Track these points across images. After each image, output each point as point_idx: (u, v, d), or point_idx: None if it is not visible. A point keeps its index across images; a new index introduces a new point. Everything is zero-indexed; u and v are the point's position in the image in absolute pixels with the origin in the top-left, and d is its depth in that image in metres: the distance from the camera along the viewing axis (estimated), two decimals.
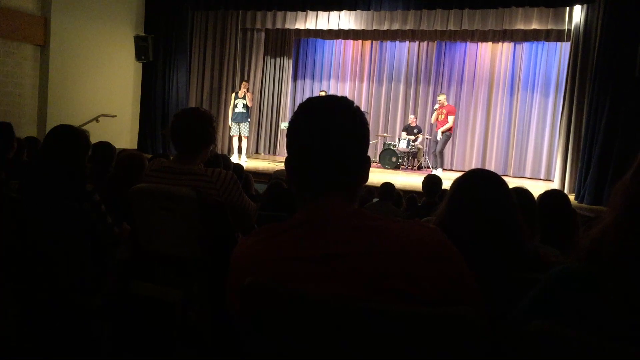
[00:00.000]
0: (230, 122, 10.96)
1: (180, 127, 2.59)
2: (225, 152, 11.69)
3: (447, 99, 12.29)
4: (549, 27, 10.39)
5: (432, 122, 11.05)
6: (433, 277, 1.12)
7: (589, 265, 1.01)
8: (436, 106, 10.76)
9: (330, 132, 1.19)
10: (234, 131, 10.93)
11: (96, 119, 9.77)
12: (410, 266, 1.11)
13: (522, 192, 2.42)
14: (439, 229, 1.24)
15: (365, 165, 1.27)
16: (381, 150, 11.96)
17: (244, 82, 10.99)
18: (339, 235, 1.15)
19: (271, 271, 1.16)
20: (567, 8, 9.46)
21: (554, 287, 1.04)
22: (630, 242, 0.95)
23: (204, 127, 2.60)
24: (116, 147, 4.29)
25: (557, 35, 10.97)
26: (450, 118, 10.42)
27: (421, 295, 1.10)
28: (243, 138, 10.99)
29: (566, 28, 9.74)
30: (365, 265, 1.11)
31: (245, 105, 10.76)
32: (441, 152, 10.58)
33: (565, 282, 1.02)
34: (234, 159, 10.16)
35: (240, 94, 10.76)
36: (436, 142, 10.69)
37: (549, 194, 2.95)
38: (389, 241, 1.13)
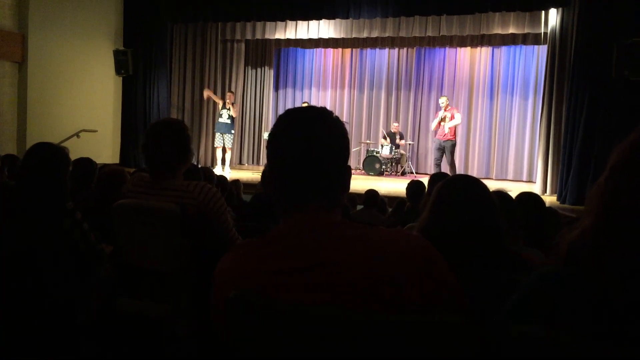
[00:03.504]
0: (215, 131, 10.96)
1: (153, 144, 2.48)
2: (209, 163, 11.66)
3: (427, 105, 12.34)
4: (526, 30, 10.53)
5: (432, 128, 10.47)
6: (418, 283, 1.12)
7: (568, 268, 1.02)
8: (442, 113, 9.99)
9: (310, 143, 1.20)
10: (218, 142, 10.90)
11: (77, 135, 9.68)
12: (395, 273, 1.11)
13: (503, 196, 2.44)
14: (421, 236, 1.25)
15: (345, 175, 1.28)
16: (364, 157, 12.00)
17: (229, 94, 10.94)
18: (322, 245, 1.16)
19: (255, 283, 1.16)
20: (543, 12, 9.58)
21: (535, 290, 1.05)
22: (607, 244, 0.97)
23: (177, 139, 2.49)
24: (98, 161, 4.26)
25: (534, 39, 11.11)
26: (457, 116, 9.97)
27: (407, 301, 1.10)
28: (227, 150, 10.96)
29: (542, 31, 9.86)
30: (350, 274, 1.11)
31: (230, 117, 10.75)
32: (452, 163, 10.10)
33: (546, 284, 1.03)
34: (218, 170, 10.11)
35: (227, 104, 10.75)
36: (440, 149, 10.01)
37: (523, 196, 2.99)
38: (373, 249, 1.14)
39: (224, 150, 10.98)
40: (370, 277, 1.11)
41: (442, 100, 10.17)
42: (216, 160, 11.13)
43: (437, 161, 10.18)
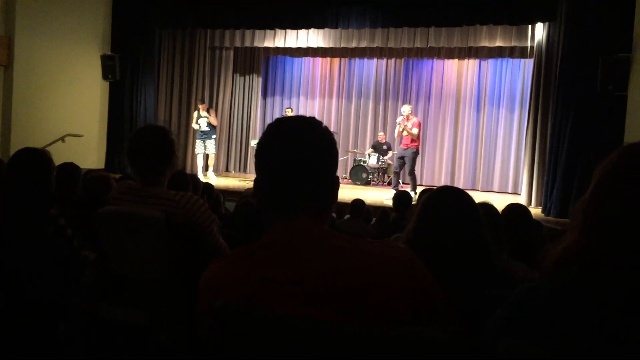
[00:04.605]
0: (196, 138, 10.98)
1: (138, 151, 2.47)
2: (195, 170, 11.63)
3: (415, 114, 12.33)
4: (513, 44, 10.65)
5: (395, 136, 10.05)
6: (404, 296, 1.12)
7: (554, 283, 1.03)
8: (399, 119, 9.51)
9: (299, 154, 1.20)
10: (199, 149, 10.90)
11: (62, 139, 9.62)
12: (381, 286, 1.11)
13: (488, 208, 2.45)
14: (408, 248, 1.25)
15: (333, 186, 1.28)
16: (351, 166, 12.03)
17: (202, 105, 10.91)
18: (309, 256, 1.16)
19: (242, 293, 1.16)
20: (530, 26, 9.71)
21: (521, 304, 1.06)
22: (591, 261, 0.97)
23: (162, 144, 2.49)
24: (83, 166, 4.21)
25: (521, 52, 11.23)
26: (415, 130, 9.27)
27: (393, 314, 1.10)
28: (210, 156, 10.95)
29: (529, 45, 9.98)
30: (336, 286, 1.11)
31: (208, 124, 10.75)
32: (412, 172, 9.54)
33: (533, 299, 1.04)
34: (199, 177, 10.09)
35: (202, 111, 10.76)
36: (401, 158, 9.54)
37: (511, 208, 3.01)
38: (359, 261, 1.14)
39: (207, 157, 10.97)
40: (357, 289, 1.11)
41: (406, 109, 9.50)
42: (196, 166, 11.12)
43: (396, 169, 9.71)
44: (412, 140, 9.38)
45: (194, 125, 10.90)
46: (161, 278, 2.44)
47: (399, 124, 9.43)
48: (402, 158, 9.53)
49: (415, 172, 9.79)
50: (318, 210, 1.24)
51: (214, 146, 11.02)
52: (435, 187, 3.99)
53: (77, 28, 10.42)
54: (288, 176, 1.20)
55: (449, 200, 1.87)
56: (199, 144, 10.90)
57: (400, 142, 9.74)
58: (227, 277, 1.20)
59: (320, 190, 1.24)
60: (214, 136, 10.96)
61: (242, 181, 11.02)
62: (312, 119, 1.28)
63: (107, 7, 11.01)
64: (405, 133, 9.37)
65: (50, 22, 9.86)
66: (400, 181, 9.96)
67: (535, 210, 8.55)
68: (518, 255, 2.63)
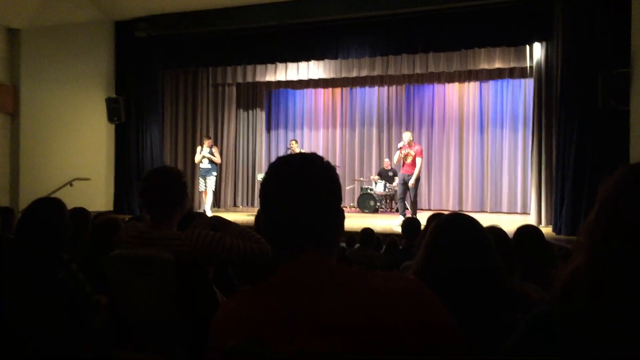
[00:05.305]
0: (199, 176, 11.02)
1: (150, 191, 2.50)
2: (200, 207, 11.66)
3: (419, 140, 12.35)
4: (512, 65, 10.73)
5: (394, 162, 10.05)
6: (415, 329, 1.12)
7: (564, 306, 1.02)
8: (400, 144, 9.51)
9: (302, 191, 1.21)
10: (202, 187, 10.95)
11: (70, 183, 9.68)
12: (393, 319, 1.11)
13: (496, 232, 2.44)
14: (418, 279, 1.25)
15: (339, 220, 1.29)
16: (359, 194, 12.03)
17: (208, 140, 10.98)
18: (320, 292, 1.16)
19: (253, 333, 1.15)
20: (527, 46, 9.77)
21: (532, 330, 1.05)
22: (600, 283, 0.97)
23: (174, 186, 2.51)
24: (92, 209, 4.25)
25: (521, 72, 11.30)
26: (419, 161, 9.27)
27: (405, 347, 1.09)
28: (208, 192, 10.99)
29: (528, 65, 10.03)
30: (347, 321, 1.11)
31: (210, 161, 10.81)
32: (415, 201, 9.54)
33: (543, 325, 1.03)
34: (208, 214, 10.10)
35: (206, 147, 10.80)
36: (404, 184, 9.45)
37: (523, 230, 3.00)
38: (370, 295, 1.14)
39: (207, 193, 11.03)
40: (369, 323, 1.10)
41: (407, 136, 9.50)
42: (204, 203, 11.16)
43: (401, 196, 9.63)
44: (413, 167, 9.32)
45: (197, 158, 10.93)
46: (173, 319, 2.43)
47: (400, 149, 9.44)
48: (404, 184, 9.47)
49: (417, 198, 9.75)
50: (325, 244, 1.25)
51: (214, 183, 11.07)
52: (443, 212, 4.00)
53: (81, 73, 10.58)
54: (291, 214, 1.21)
55: (457, 227, 1.87)
56: (201, 181, 10.95)
57: (401, 168, 9.70)
58: (238, 318, 1.20)
59: (325, 225, 1.25)
60: (214, 173, 11.00)
61: (250, 216, 11.02)
62: (314, 155, 1.30)
63: (110, 51, 11.19)
64: (409, 160, 9.35)
65: (55, 68, 10.03)
66: (407, 205, 9.95)
67: (546, 230, 8.47)
68: (531, 277, 2.62)
